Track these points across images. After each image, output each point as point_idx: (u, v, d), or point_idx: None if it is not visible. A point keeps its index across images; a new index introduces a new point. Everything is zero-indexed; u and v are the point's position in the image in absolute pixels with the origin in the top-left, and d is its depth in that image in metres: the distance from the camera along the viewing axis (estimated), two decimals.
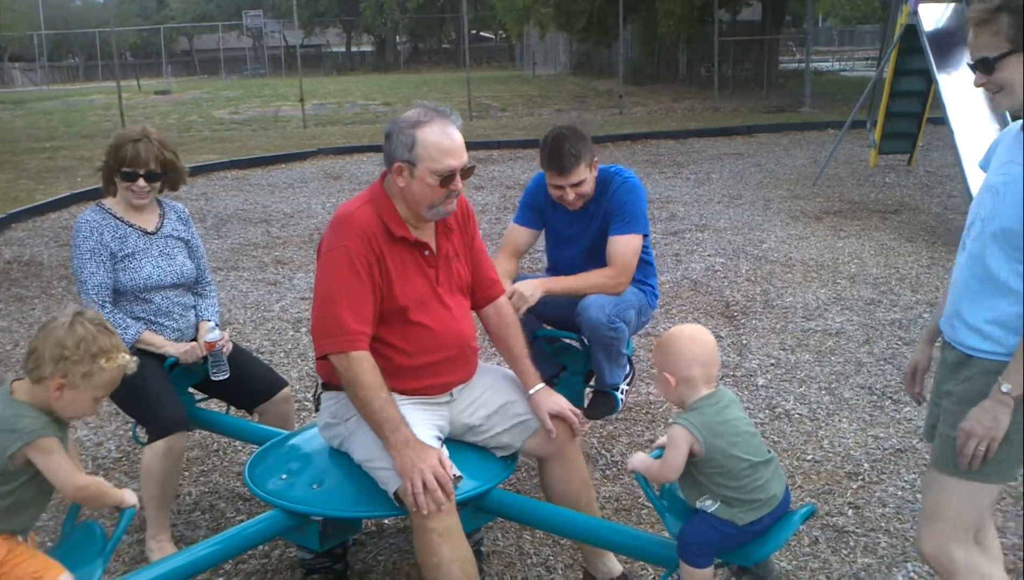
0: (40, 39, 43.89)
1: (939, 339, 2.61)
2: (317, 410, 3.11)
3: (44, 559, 2.41)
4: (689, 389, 2.60)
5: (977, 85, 2.35)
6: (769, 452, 2.61)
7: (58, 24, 49.02)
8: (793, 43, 34.49)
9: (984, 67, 2.29)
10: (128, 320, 3.54)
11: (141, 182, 3.60)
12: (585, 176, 3.74)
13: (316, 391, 3.14)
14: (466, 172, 2.88)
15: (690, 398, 2.59)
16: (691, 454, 2.53)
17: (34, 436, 2.35)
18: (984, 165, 2.52)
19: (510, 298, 3.40)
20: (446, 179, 2.82)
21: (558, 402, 3.04)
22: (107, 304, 3.52)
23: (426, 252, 2.95)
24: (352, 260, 2.80)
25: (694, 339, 2.63)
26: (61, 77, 48.79)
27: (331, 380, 2.97)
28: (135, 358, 2.55)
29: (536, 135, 16.58)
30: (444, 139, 2.81)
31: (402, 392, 2.90)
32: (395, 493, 2.74)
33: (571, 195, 3.76)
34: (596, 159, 3.80)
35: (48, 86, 41.76)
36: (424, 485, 2.61)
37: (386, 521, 3.71)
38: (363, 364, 2.77)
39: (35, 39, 44.02)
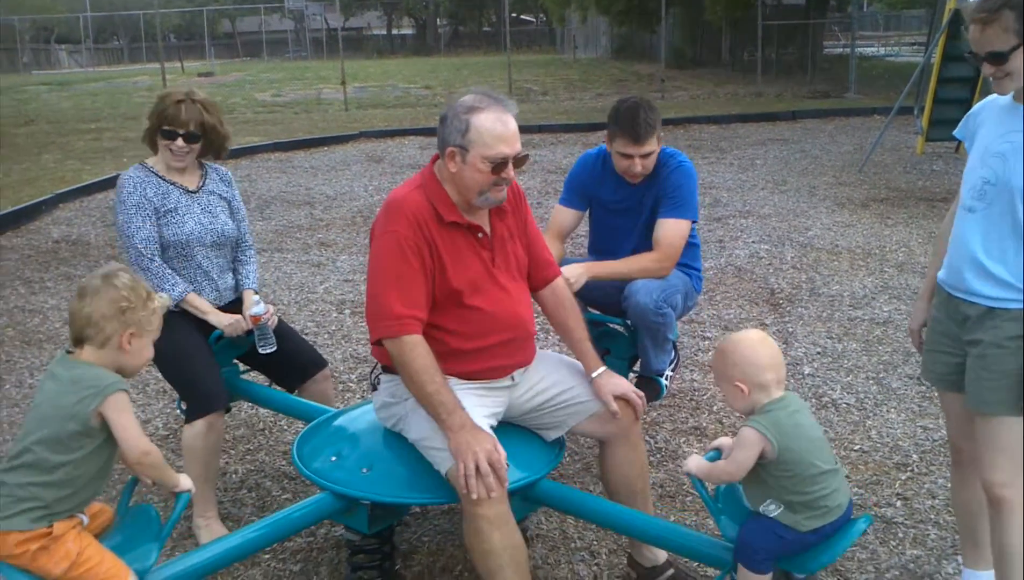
0: (85, 21, 44.37)
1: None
2: (374, 390, 3.12)
3: (111, 563, 2.42)
4: (763, 394, 2.54)
5: (986, 74, 2.58)
6: (837, 463, 2.57)
7: (103, 6, 49.53)
8: (838, 28, 34.03)
9: (995, 59, 2.51)
10: (175, 277, 3.56)
11: (180, 142, 3.60)
12: (655, 148, 3.74)
13: (374, 372, 3.14)
14: (519, 161, 2.86)
15: (761, 402, 2.54)
16: (760, 456, 2.50)
17: (115, 388, 2.40)
18: (962, 135, 2.81)
19: None
20: (497, 166, 2.80)
21: (620, 384, 3.02)
22: (156, 257, 3.54)
23: (479, 234, 2.94)
24: (402, 245, 2.80)
25: (762, 342, 2.58)
26: (106, 59, 49.36)
27: (387, 362, 2.97)
28: (168, 295, 2.63)
29: (577, 119, 16.60)
30: (498, 125, 2.79)
31: (461, 375, 2.90)
32: (446, 475, 2.73)
33: (639, 166, 3.74)
34: (660, 135, 3.79)
35: (94, 68, 42.23)
36: (477, 469, 2.60)
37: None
38: (416, 349, 2.77)
39: (80, 21, 44.52)
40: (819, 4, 25.28)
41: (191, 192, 3.69)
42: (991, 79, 2.59)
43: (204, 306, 3.61)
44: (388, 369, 3.00)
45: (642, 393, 3.05)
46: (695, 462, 2.64)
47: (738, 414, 2.62)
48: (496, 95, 2.87)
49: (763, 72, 22.00)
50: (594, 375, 3.05)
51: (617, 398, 2.99)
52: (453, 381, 2.87)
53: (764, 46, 22.97)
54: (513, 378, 3.02)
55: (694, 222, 3.85)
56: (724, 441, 2.69)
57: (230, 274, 3.79)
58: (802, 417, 2.55)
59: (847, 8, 28.16)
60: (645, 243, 3.84)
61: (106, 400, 2.39)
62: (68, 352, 2.49)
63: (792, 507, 2.49)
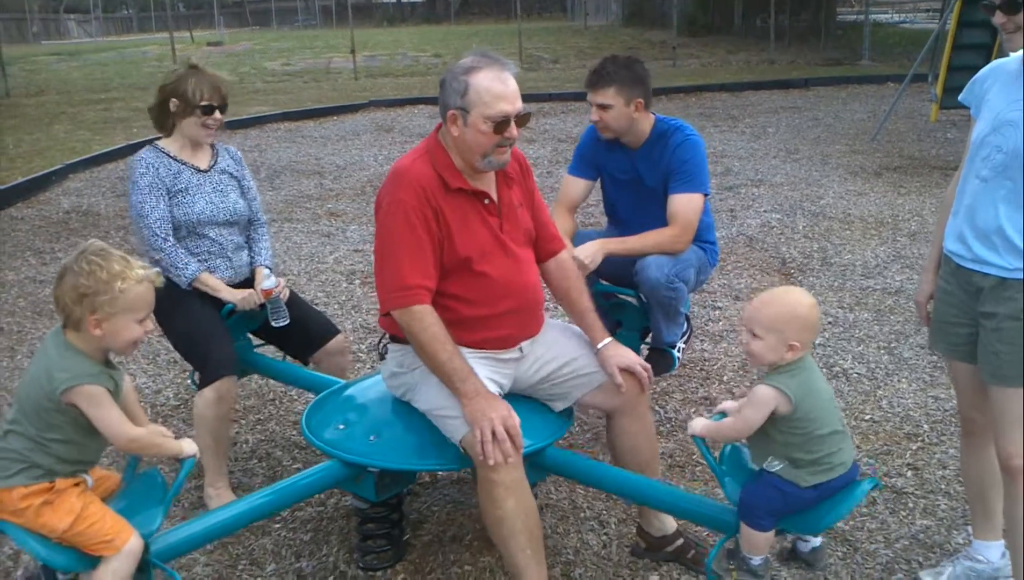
0: None
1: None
2: (382, 359, 3.12)
3: (115, 520, 2.44)
4: (799, 354, 2.52)
5: (997, 23, 2.53)
6: (843, 423, 2.57)
7: None
8: None
9: (1009, 8, 2.46)
10: (188, 257, 3.57)
11: (218, 114, 3.63)
12: (613, 103, 3.71)
13: (381, 342, 3.14)
14: (521, 119, 2.82)
15: (786, 360, 2.51)
16: (772, 413, 2.49)
17: (79, 381, 2.37)
18: (967, 101, 2.77)
19: None
20: (499, 125, 2.76)
21: (627, 356, 2.99)
22: (169, 237, 3.55)
23: (486, 201, 2.92)
24: (408, 215, 2.78)
25: (815, 307, 2.54)
26: (115, 29, 49.19)
27: (395, 333, 2.97)
28: (156, 269, 2.52)
29: None
30: (497, 84, 2.75)
31: (470, 345, 2.88)
32: (461, 442, 2.73)
33: (595, 115, 3.76)
34: (639, 100, 3.74)
35: (103, 38, 42.11)
36: (493, 435, 2.60)
37: (440, 473, 3.73)
38: (426, 318, 2.76)
39: None
40: None
41: (202, 171, 3.69)
42: (1003, 35, 2.54)
43: (216, 284, 3.62)
44: (396, 338, 3.00)
45: (648, 365, 3.03)
46: (700, 423, 2.65)
47: (751, 378, 2.61)
48: (494, 55, 2.83)
49: (776, 39, 21.77)
50: (599, 346, 3.02)
51: (622, 370, 2.97)
52: (461, 350, 2.86)
53: (777, 13, 22.71)
54: (521, 350, 3.00)
55: (706, 195, 3.81)
56: (729, 405, 2.69)
57: (245, 251, 3.80)
58: (817, 379, 2.55)
59: None
60: (651, 215, 3.81)
61: (72, 391, 2.37)
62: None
63: (796, 463, 2.50)
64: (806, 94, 15.34)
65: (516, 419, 2.66)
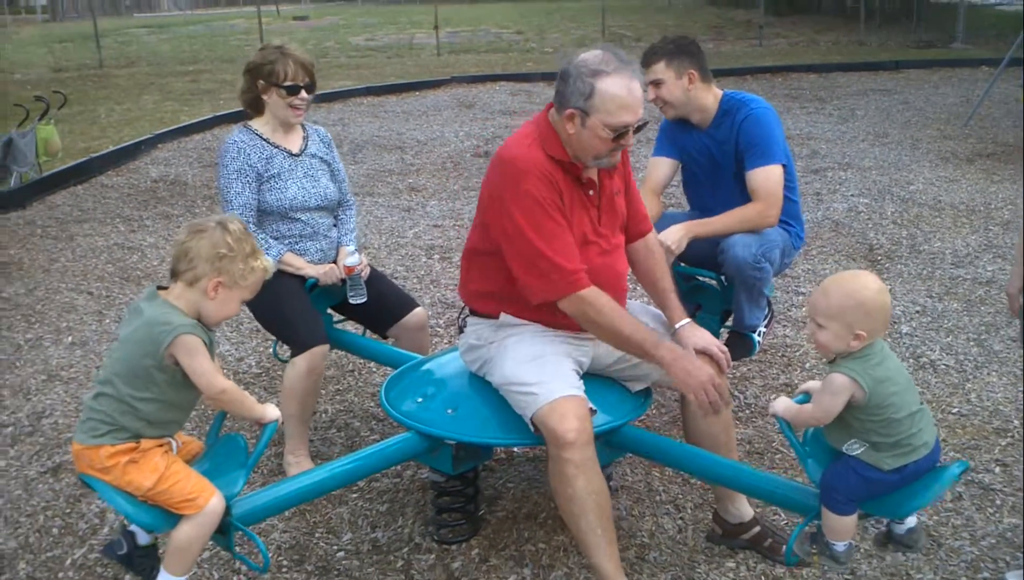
0: None
1: None
2: (461, 333, 3.12)
3: (198, 479, 2.49)
4: (866, 342, 2.44)
5: None
6: (921, 404, 2.50)
7: None
8: None
9: None
10: (270, 240, 3.61)
11: (303, 94, 3.64)
12: (664, 77, 3.71)
13: (461, 315, 3.14)
14: (639, 128, 2.79)
15: (856, 348, 2.44)
16: (849, 400, 2.43)
17: (184, 330, 2.42)
18: None
19: None
20: (619, 134, 2.73)
21: (704, 337, 2.94)
22: (251, 224, 3.59)
23: (591, 192, 2.89)
24: (543, 203, 2.73)
25: (882, 292, 2.45)
26: (204, 2, 50.00)
27: (476, 307, 2.97)
28: (273, 262, 2.62)
29: None
30: (624, 93, 2.69)
31: (548, 324, 2.87)
32: (532, 419, 2.72)
33: (651, 93, 3.75)
34: (691, 71, 3.69)
35: (192, 11, 42.91)
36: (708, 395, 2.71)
37: (516, 449, 3.74)
38: (599, 299, 2.75)
39: None
40: None
41: (294, 155, 3.72)
42: None
43: (299, 262, 3.66)
44: (475, 312, 3.00)
45: (726, 348, 2.97)
46: (783, 404, 2.59)
47: (826, 361, 2.54)
48: (623, 56, 2.76)
49: (866, 20, 21.24)
50: (677, 326, 2.98)
51: (699, 352, 2.91)
52: (538, 327, 2.86)
53: None
54: None
55: (786, 166, 3.72)
56: (813, 385, 2.63)
57: (334, 232, 3.83)
58: (891, 362, 2.47)
59: None
60: (726, 196, 3.75)
61: (175, 341, 2.41)
62: (159, 288, 2.54)
63: (876, 447, 2.44)
64: (896, 77, 14.92)
65: (722, 380, 2.77)
